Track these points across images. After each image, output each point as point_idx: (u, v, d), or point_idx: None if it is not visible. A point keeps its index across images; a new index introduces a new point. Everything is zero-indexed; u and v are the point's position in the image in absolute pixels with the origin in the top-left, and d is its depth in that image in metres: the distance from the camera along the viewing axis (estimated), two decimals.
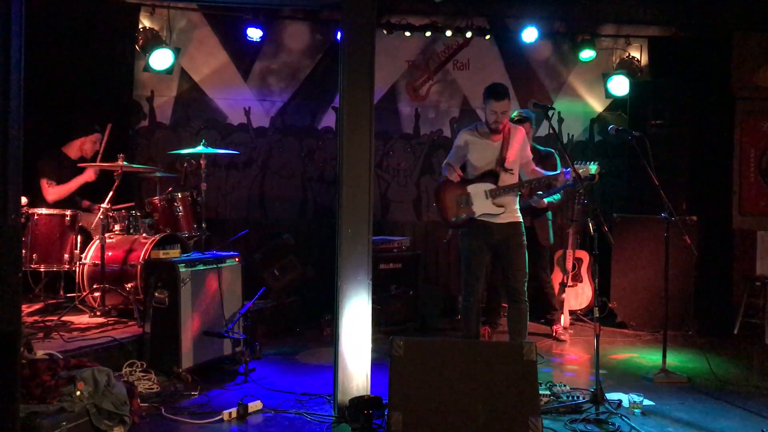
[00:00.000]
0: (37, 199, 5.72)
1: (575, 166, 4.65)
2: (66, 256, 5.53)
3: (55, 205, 5.72)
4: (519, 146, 4.84)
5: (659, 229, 5.21)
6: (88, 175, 5.93)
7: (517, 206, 4.91)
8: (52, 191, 5.81)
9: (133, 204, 6.08)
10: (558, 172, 4.90)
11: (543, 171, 4.99)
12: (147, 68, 7.17)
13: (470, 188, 4.83)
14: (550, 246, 6.33)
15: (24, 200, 5.31)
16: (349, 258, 3.96)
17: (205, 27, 7.49)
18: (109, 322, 5.21)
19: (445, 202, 4.91)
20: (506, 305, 5.15)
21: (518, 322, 4.84)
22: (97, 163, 5.73)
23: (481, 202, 4.79)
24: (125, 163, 5.44)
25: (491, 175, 4.80)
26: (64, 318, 5.12)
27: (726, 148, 7.10)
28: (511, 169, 4.82)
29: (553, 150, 6.16)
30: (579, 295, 6.80)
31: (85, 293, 5.41)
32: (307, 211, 7.77)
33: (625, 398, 4.23)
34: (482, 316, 6.40)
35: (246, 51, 7.56)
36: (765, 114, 7.01)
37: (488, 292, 6.42)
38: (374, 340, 4.09)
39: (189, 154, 5.67)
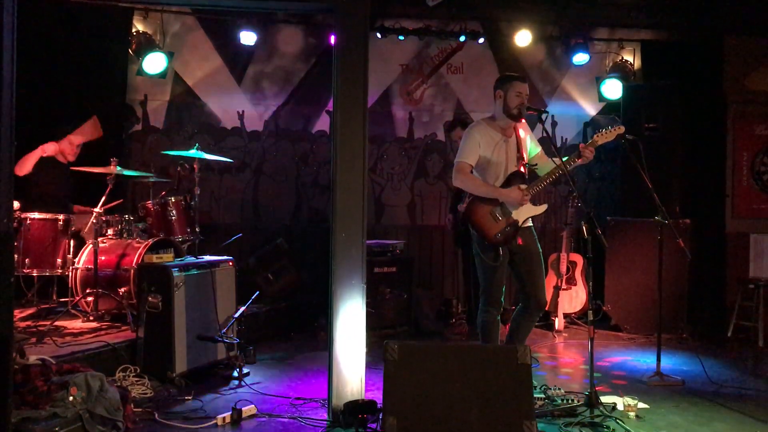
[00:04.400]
0: (29, 203, 5.68)
1: (602, 132, 4.54)
2: (59, 260, 5.51)
3: (49, 209, 5.67)
4: (530, 140, 4.56)
5: (653, 232, 5.22)
6: (51, 148, 5.96)
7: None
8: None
9: (121, 201, 6.09)
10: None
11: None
12: (140, 72, 7.17)
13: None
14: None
15: (16, 205, 5.29)
16: (343, 262, 3.95)
17: (199, 31, 7.48)
18: (102, 327, 5.20)
19: (479, 221, 4.37)
20: (513, 308, 4.97)
21: (527, 332, 4.51)
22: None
23: (518, 207, 4.38)
24: (118, 168, 5.42)
25: (518, 177, 4.41)
26: (56, 323, 5.10)
27: (719, 152, 7.12)
28: (535, 164, 4.53)
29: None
30: (573, 299, 6.81)
31: (78, 298, 5.39)
32: (301, 215, 7.76)
33: (619, 401, 4.23)
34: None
35: (240, 55, 7.56)
36: (757, 117, 7.04)
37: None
38: (369, 344, 4.09)
39: (182, 158, 5.64)
